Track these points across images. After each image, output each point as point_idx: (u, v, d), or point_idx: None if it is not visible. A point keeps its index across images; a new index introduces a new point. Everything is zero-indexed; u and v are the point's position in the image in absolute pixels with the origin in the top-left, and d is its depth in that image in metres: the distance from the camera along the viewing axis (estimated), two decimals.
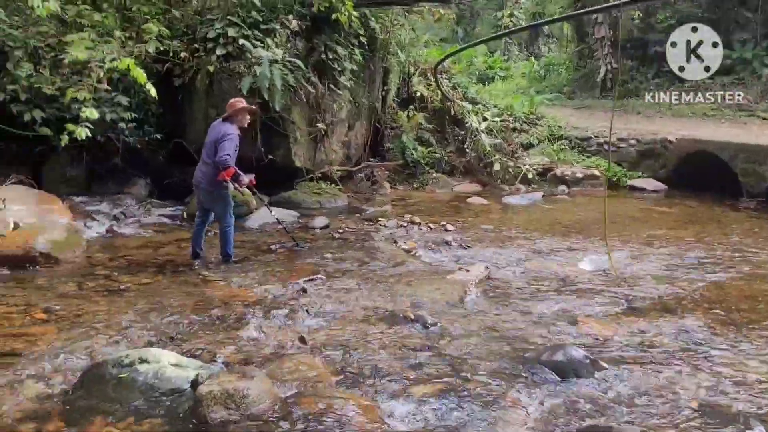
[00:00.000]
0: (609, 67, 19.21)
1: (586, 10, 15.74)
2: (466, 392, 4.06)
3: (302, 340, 4.81)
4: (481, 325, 5.28)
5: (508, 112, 14.16)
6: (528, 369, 4.44)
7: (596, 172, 12.40)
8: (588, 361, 4.45)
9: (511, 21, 26.90)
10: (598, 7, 15.06)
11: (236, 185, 6.72)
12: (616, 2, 9.72)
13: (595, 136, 13.44)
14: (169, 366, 3.94)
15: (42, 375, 4.18)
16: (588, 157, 13.13)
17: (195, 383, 3.78)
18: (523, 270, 6.91)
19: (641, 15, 19.82)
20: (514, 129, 13.66)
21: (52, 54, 8.29)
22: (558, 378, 4.30)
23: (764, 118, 14.25)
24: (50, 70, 8.23)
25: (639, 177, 12.42)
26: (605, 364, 4.46)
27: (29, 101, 8.17)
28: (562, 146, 13.46)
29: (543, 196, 11.42)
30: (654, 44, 18.39)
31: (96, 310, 5.30)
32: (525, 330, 5.21)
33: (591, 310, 5.68)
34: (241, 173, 6.68)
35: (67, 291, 5.76)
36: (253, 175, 7.03)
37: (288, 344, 4.75)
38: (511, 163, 12.53)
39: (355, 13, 9.86)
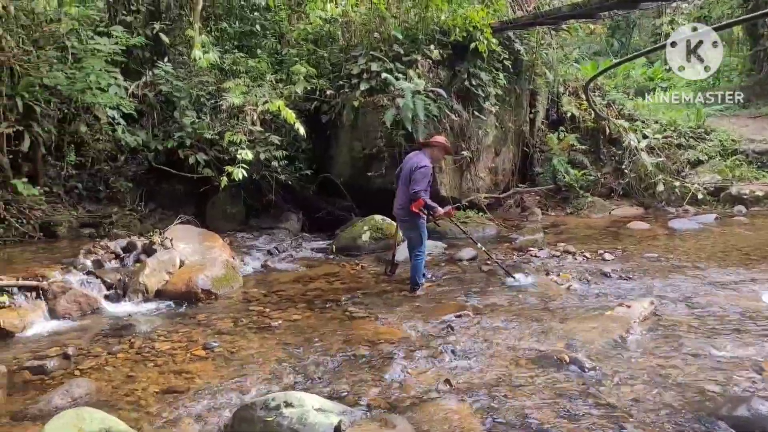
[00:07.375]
0: None
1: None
2: None
3: (448, 383, 4.59)
4: (646, 369, 4.73)
5: (672, 128, 13.08)
6: (704, 424, 3.87)
7: None
8: None
9: (673, 29, 25.09)
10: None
11: (431, 215, 6.75)
12: None
13: None
14: (313, 410, 3.88)
15: (198, 414, 4.32)
16: None
17: (337, 430, 3.70)
18: (695, 305, 6.17)
19: None
20: (679, 145, 12.57)
21: (212, 101, 8.91)
22: None
23: None
24: (210, 116, 8.83)
25: None
26: None
27: (193, 146, 8.80)
28: (737, 161, 12.14)
29: (716, 218, 10.28)
30: None
31: (249, 347, 5.45)
32: (699, 376, 4.58)
33: None
34: (436, 204, 6.69)
35: (223, 327, 5.99)
36: (451, 206, 7.08)
37: (433, 387, 4.54)
38: (677, 183, 11.50)
39: (494, 40, 9.61)
